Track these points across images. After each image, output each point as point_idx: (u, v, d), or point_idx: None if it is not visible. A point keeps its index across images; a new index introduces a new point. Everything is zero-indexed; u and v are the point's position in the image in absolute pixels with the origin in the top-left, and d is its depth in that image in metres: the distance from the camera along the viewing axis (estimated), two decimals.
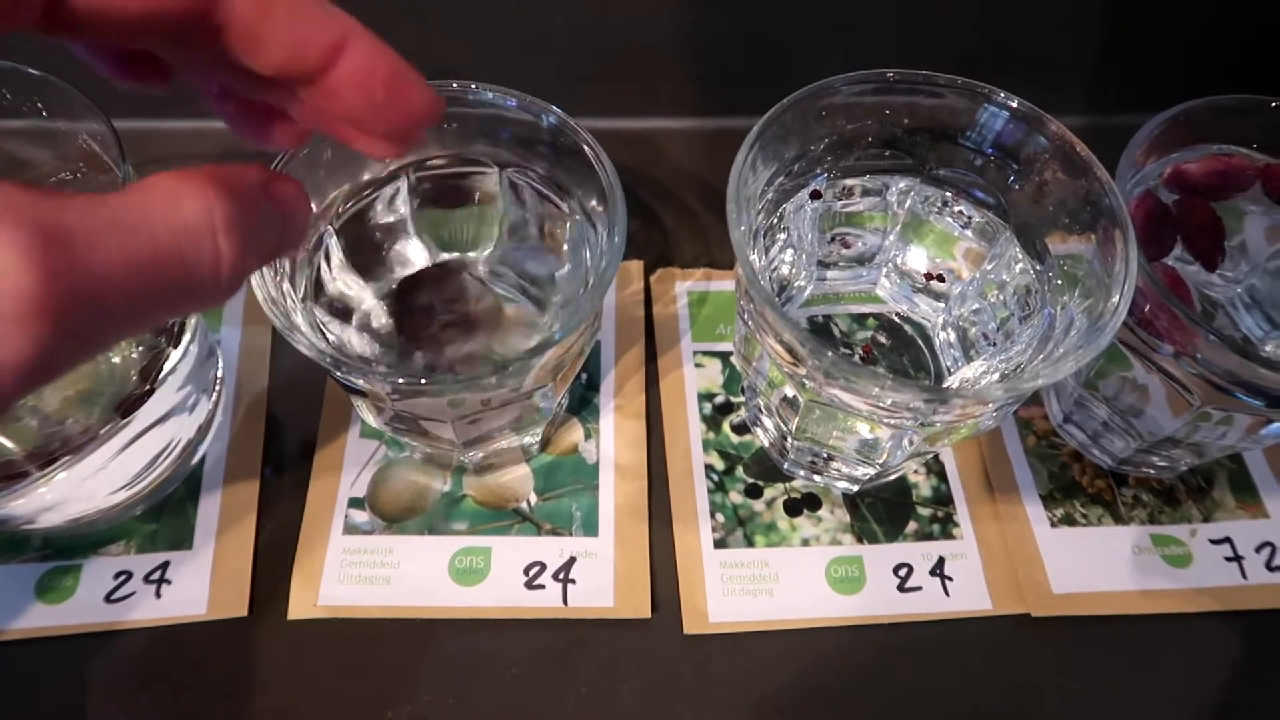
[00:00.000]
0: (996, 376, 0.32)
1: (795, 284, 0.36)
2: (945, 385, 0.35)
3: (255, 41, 0.17)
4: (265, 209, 0.17)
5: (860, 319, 0.38)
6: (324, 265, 0.32)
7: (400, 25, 0.43)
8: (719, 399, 0.38)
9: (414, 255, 0.34)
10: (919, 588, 0.34)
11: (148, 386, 0.31)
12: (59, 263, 0.13)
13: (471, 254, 0.35)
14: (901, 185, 0.35)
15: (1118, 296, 0.27)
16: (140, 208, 0.15)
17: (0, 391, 0.13)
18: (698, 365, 0.39)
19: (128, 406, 0.31)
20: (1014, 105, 0.30)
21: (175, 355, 0.32)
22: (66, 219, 0.14)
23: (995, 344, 0.34)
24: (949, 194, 0.34)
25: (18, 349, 0.13)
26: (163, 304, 0.15)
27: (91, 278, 0.14)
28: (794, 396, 0.32)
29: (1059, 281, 0.31)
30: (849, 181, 0.35)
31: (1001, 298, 0.34)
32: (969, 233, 0.35)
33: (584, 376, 0.38)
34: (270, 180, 0.18)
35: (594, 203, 0.31)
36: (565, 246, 0.34)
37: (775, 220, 0.34)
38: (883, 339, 0.37)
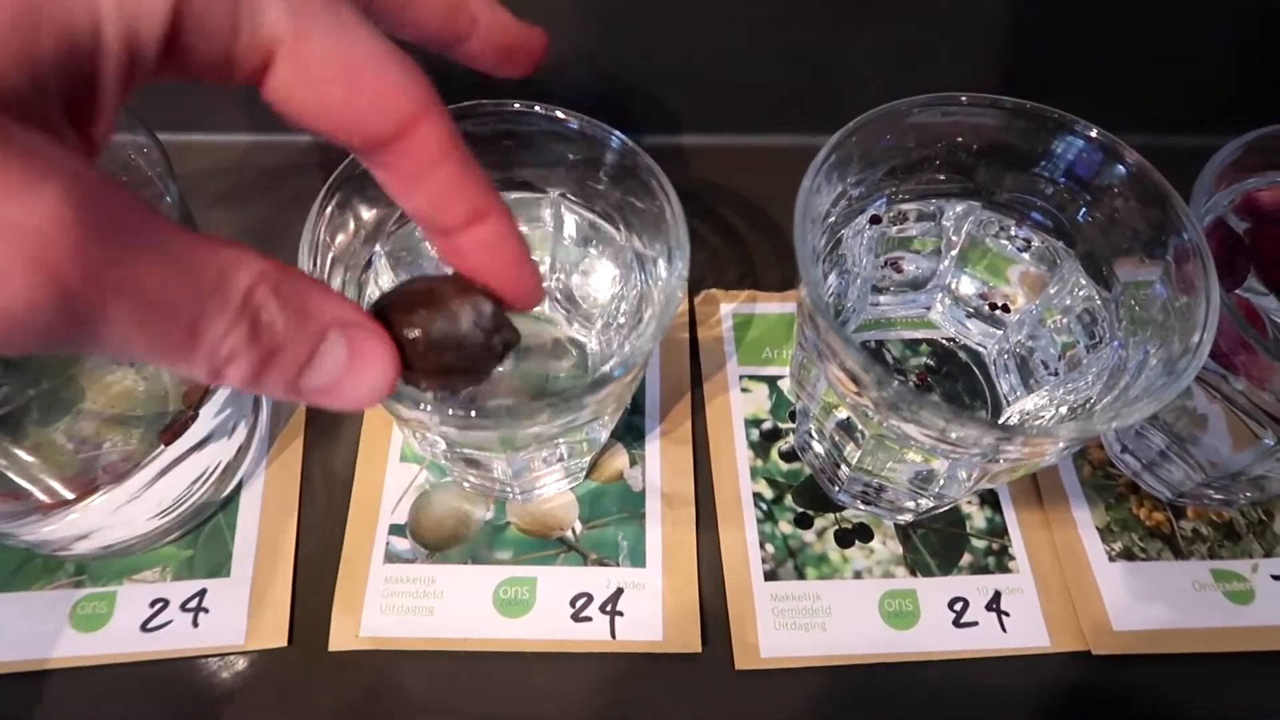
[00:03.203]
0: (1064, 410, 0.31)
1: (848, 308, 0.35)
2: (1005, 416, 0.34)
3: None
4: (332, 348, 0.17)
5: (913, 345, 0.37)
6: (373, 288, 0.31)
7: None
8: (766, 425, 0.37)
9: None
10: (975, 623, 0.33)
11: (193, 412, 0.30)
12: (91, 248, 0.13)
13: None
14: (958, 209, 0.34)
15: (1199, 335, 0.26)
16: (199, 254, 0.14)
17: None
18: (744, 390, 0.38)
19: (173, 433, 0.30)
20: (1091, 134, 0.29)
21: None
22: (127, 221, 0.14)
23: (1058, 374, 0.33)
24: (1009, 219, 0.33)
25: (7, 298, 0.12)
26: (153, 352, 0.15)
27: (112, 279, 0.13)
28: (850, 421, 0.31)
29: (1129, 315, 0.30)
30: (905, 206, 0.34)
31: (1065, 322, 0.33)
32: (1028, 257, 0.34)
33: (629, 401, 0.37)
34: (357, 325, 0.17)
35: (651, 228, 0.30)
36: (616, 271, 0.33)
37: (833, 245, 0.33)
38: (936, 366, 0.36)
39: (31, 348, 0.13)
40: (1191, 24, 0.42)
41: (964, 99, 0.30)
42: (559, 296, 0.35)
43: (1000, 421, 0.34)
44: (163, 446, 0.30)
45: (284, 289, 0.15)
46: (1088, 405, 0.30)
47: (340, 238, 0.30)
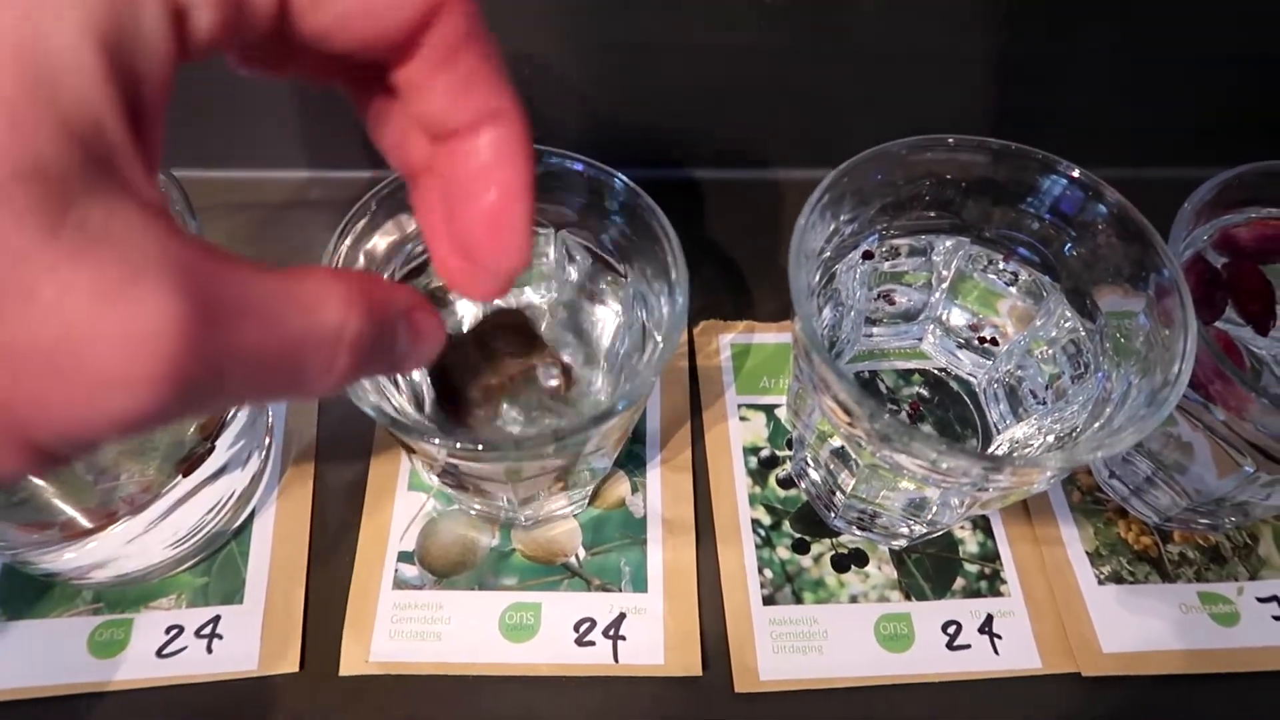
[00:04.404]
0: (1051, 439, 0.32)
1: (842, 339, 0.37)
2: (995, 444, 0.35)
3: (428, 84, 0.17)
4: (400, 334, 0.18)
5: (906, 375, 0.38)
6: None
7: None
8: (764, 452, 0.38)
9: (468, 315, 0.35)
10: (968, 646, 0.34)
11: (210, 444, 0.31)
12: (202, 333, 0.13)
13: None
14: (948, 244, 0.35)
15: (1178, 366, 0.27)
16: (287, 298, 0.15)
17: (99, 433, 0.13)
18: (742, 418, 0.39)
19: (190, 464, 0.31)
20: (1074, 174, 0.31)
21: (232, 410, 0.32)
22: (223, 289, 0.14)
23: (1046, 403, 0.34)
24: (997, 254, 0.34)
25: (135, 404, 0.13)
26: (269, 392, 0.15)
27: (223, 355, 0.14)
28: (844, 450, 0.32)
29: (1112, 346, 0.31)
30: (897, 241, 0.35)
31: (1051, 353, 0.34)
32: (1015, 291, 0.35)
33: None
34: (414, 308, 0.18)
35: (652, 267, 0.31)
36: (619, 308, 0.34)
37: (828, 279, 0.34)
38: (929, 395, 0.37)
39: (153, 431, 0.14)
40: (1173, 63, 0.43)
41: (951, 140, 0.31)
42: (564, 329, 0.36)
43: (990, 449, 0.35)
44: (180, 477, 0.31)
45: (368, 307, 0.16)
46: (1074, 434, 0.31)
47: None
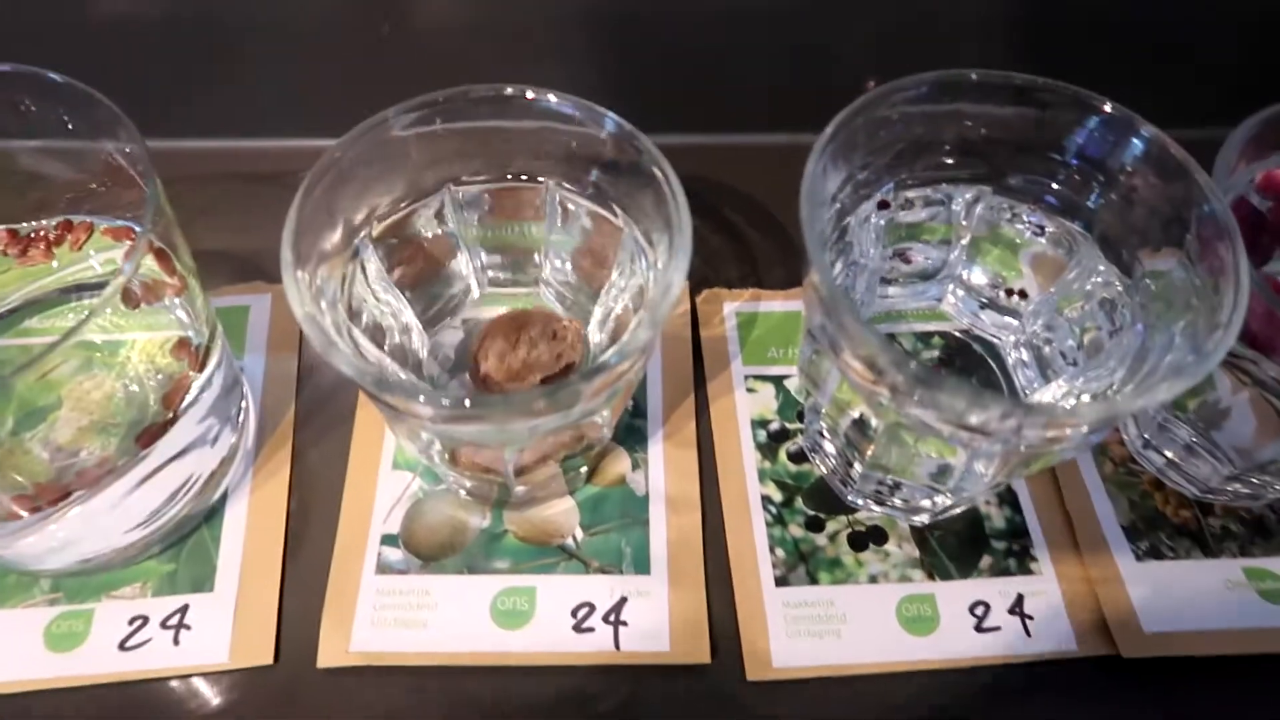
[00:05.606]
0: (1086, 399, 0.30)
1: (857, 300, 0.34)
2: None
3: None
4: None
5: (925, 337, 0.35)
6: (360, 279, 0.30)
7: (437, 33, 0.42)
8: (773, 425, 0.36)
9: (459, 271, 0.32)
10: (997, 627, 0.32)
11: (171, 414, 0.29)
12: None
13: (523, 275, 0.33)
14: (968, 195, 0.33)
15: (1229, 310, 0.25)
16: None
17: None
18: (749, 390, 0.37)
19: (149, 436, 0.28)
20: (1107, 109, 0.28)
21: (199, 382, 0.30)
22: None
23: (1077, 363, 0.32)
24: (1023, 204, 0.32)
25: None
26: None
27: None
28: (865, 418, 0.30)
29: (1151, 297, 0.29)
30: (912, 193, 0.33)
31: (1086, 309, 0.32)
32: (1044, 243, 0.33)
33: (631, 403, 0.36)
34: None
35: (650, 213, 0.29)
36: (614, 261, 0.31)
37: (839, 233, 0.31)
38: (950, 358, 0.35)
39: None
40: (1205, 15, 0.41)
41: (974, 75, 0.29)
42: (557, 286, 0.34)
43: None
44: (140, 450, 0.28)
45: None
46: (1109, 393, 0.29)
47: (325, 231, 0.28)
